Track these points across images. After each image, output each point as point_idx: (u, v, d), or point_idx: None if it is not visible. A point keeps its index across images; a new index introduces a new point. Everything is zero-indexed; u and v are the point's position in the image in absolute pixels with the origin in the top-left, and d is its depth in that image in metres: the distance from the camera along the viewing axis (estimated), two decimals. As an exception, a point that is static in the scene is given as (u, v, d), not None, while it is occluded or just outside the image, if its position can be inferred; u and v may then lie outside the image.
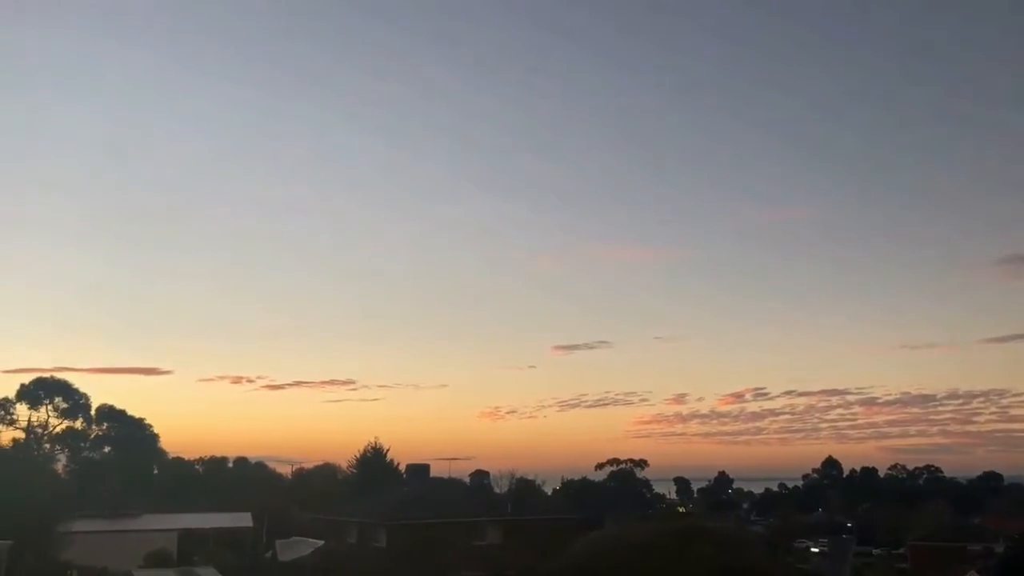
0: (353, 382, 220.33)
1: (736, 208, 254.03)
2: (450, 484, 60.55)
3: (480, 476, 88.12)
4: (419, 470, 58.21)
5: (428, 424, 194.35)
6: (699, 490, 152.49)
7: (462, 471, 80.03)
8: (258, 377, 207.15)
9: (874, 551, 75.69)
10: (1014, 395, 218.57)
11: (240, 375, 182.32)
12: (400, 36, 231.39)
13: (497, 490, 73.21)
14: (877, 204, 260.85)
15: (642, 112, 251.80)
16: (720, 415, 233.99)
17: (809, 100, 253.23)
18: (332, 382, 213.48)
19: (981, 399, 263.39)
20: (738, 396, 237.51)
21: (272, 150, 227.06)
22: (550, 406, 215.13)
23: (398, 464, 71.56)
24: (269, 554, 51.36)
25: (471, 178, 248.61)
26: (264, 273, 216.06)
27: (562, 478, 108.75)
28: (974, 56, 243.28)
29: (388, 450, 73.12)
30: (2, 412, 70.50)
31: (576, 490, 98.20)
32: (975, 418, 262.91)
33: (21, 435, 70.54)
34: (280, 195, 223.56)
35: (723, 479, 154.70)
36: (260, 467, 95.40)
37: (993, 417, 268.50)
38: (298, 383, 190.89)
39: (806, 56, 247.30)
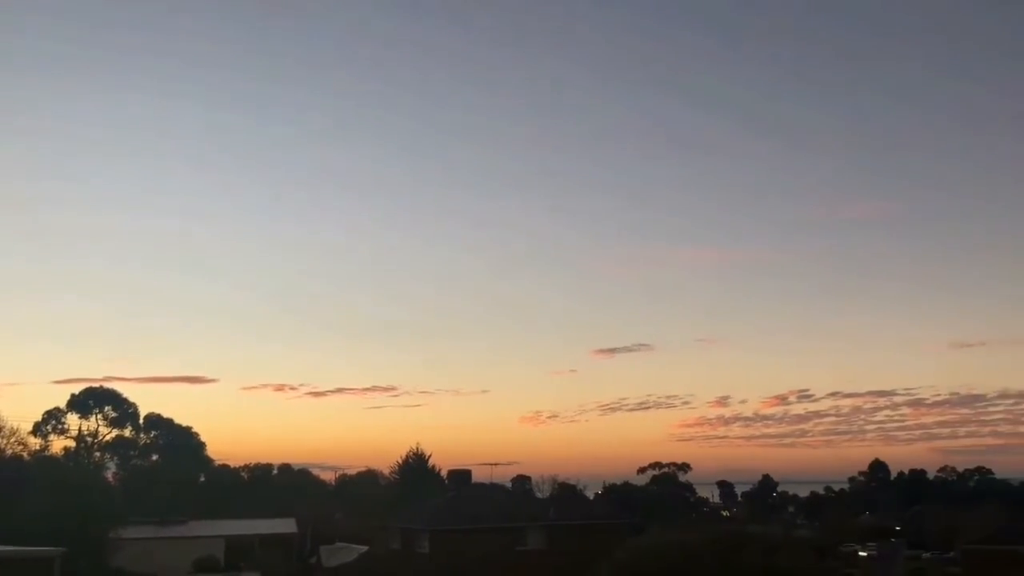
0: (395, 388, 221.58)
1: (779, 207, 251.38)
2: (492, 489, 60.57)
3: (522, 481, 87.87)
4: (461, 476, 58.27)
5: (470, 430, 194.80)
6: (743, 494, 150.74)
7: (504, 476, 79.97)
8: (300, 384, 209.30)
9: (924, 555, 74.14)
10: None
11: (283, 383, 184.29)
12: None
13: (539, 495, 73.09)
14: (927, 200, 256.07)
15: (689, 109, 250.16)
16: (764, 418, 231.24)
17: (859, 100, 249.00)
18: (374, 388, 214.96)
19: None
20: (782, 398, 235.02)
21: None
22: (591, 410, 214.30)
23: (440, 470, 71.72)
24: (314, 560, 51.97)
25: (512, 178, 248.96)
26: (303, 281, 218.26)
27: (604, 482, 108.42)
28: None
29: (430, 456, 73.38)
30: (53, 422, 72.15)
31: (618, 494, 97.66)
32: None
33: (72, 444, 72.22)
34: (317, 203, 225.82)
35: (767, 482, 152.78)
36: (304, 474, 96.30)
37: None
38: (340, 390, 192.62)
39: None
